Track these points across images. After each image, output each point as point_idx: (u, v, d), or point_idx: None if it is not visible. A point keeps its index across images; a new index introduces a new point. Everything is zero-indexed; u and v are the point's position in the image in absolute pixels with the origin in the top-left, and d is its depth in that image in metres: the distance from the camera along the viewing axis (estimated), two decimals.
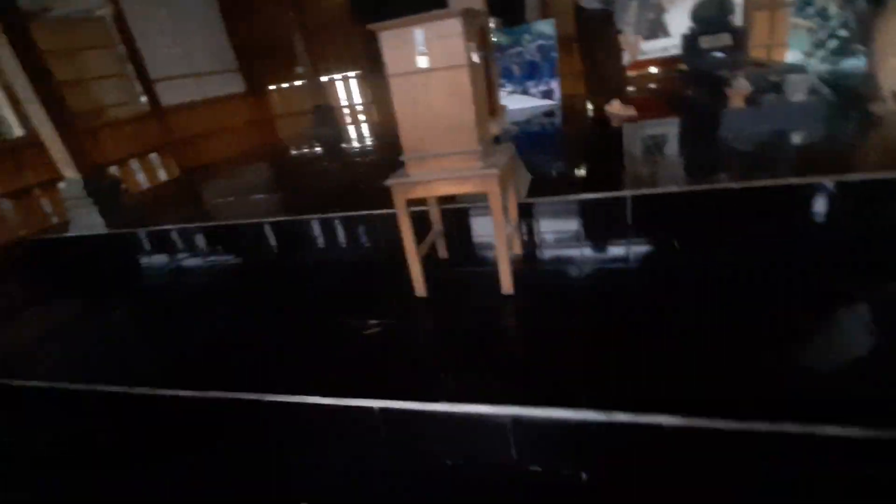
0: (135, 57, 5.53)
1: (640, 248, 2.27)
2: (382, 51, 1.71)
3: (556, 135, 4.31)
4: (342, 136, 6.90)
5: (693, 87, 4.32)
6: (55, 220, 4.54)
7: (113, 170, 4.96)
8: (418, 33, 1.64)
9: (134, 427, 2.04)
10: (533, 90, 5.13)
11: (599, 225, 2.33)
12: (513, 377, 1.62)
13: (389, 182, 1.93)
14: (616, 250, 2.32)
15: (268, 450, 1.83)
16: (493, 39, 5.13)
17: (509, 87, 5.18)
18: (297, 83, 7.44)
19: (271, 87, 7.57)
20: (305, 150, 6.44)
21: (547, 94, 5.12)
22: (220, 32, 7.06)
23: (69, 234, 3.74)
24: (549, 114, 4.90)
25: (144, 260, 3.51)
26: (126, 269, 3.53)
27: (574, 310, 1.94)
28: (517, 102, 5.19)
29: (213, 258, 3.32)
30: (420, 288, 2.18)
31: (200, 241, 3.31)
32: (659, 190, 2.24)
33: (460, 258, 2.57)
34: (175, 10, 6.18)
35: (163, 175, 5.81)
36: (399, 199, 1.95)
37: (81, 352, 2.51)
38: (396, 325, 2.06)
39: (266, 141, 7.55)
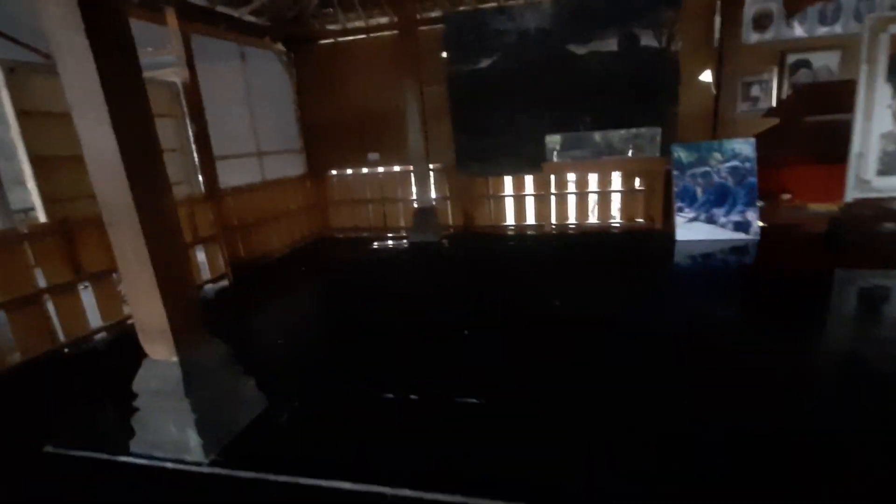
0: (201, 130, 4.52)
1: None
2: None
3: (754, 283, 3.41)
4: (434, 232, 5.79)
5: None
6: (61, 338, 3.20)
7: None
8: None
9: None
10: (722, 220, 4.19)
11: None
12: None
13: None
14: None
15: None
16: (673, 154, 4.27)
17: (689, 213, 4.28)
18: (365, 170, 6.52)
19: (333, 172, 6.61)
20: (375, 244, 5.30)
21: (741, 227, 4.16)
22: (290, 108, 6.26)
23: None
24: (740, 250, 3.97)
25: None
26: None
27: None
28: (697, 232, 4.23)
29: None
30: None
31: None
32: None
33: None
34: (252, 78, 5.36)
35: (206, 272, 4.57)
36: None
37: None
38: None
39: (318, 230, 6.48)
